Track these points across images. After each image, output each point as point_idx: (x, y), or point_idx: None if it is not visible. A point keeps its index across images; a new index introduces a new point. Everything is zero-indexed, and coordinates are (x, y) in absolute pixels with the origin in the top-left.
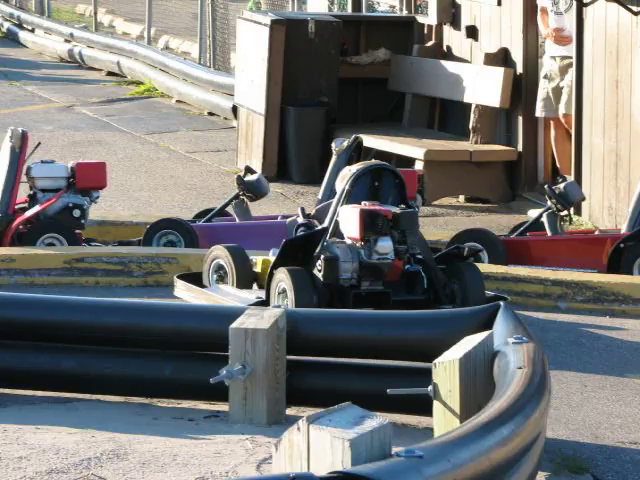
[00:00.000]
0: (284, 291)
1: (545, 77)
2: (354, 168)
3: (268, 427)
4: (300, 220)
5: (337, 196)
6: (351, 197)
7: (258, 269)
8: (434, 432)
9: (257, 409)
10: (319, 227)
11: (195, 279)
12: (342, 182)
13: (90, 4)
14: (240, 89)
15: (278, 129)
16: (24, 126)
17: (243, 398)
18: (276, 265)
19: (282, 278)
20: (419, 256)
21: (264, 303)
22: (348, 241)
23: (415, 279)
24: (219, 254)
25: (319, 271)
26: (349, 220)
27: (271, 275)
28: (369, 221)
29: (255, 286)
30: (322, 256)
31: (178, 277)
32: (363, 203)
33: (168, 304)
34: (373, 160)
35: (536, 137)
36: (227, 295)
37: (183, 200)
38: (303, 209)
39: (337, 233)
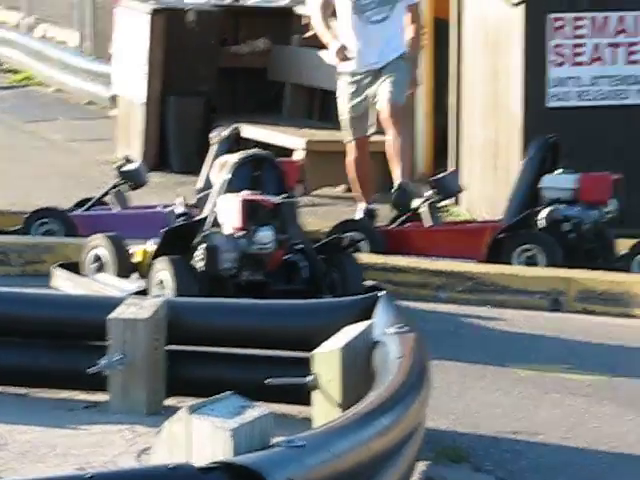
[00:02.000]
0: (164, 281)
1: (353, 94)
2: (234, 157)
3: (148, 417)
4: (180, 210)
5: (217, 186)
6: (231, 186)
7: (138, 259)
8: (314, 422)
9: (137, 399)
10: (199, 217)
11: (74, 268)
12: (221, 172)
13: None
14: (119, 78)
15: (158, 118)
16: None
17: (122, 388)
18: (156, 255)
19: (162, 268)
20: (299, 246)
21: (144, 293)
22: (228, 231)
23: (295, 269)
24: (98, 243)
25: (199, 261)
26: (230, 210)
27: (151, 265)
28: (250, 211)
29: (135, 276)
30: (202, 246)
31: (57, 266)
32: (243, 192)
33: (46, 293)
34: (253, 150)
35: (415, 128)
36: (107, 285)
37: (62, 189)
38: (183, 199)
39: (217, 223)
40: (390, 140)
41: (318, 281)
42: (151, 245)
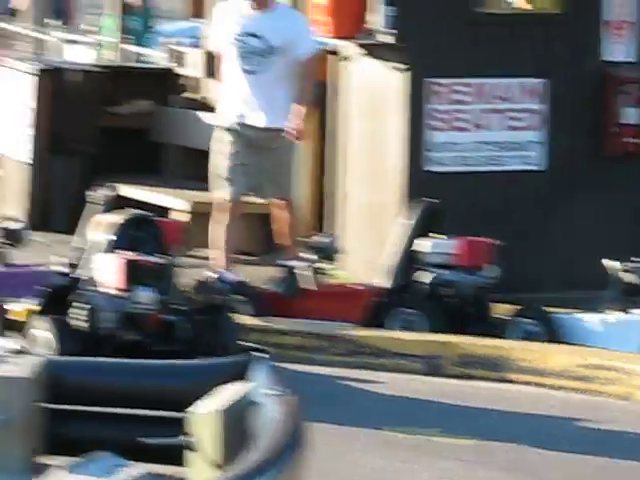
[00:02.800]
0: (42, 339)
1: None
2: (115, 217)
3: (23, 476)
4: (60, 269)
5: (95, 244)
6: (111, 246)
7: (16, 317)
8: None
9: (12, 458)
10: (78, 276)
11: None
12: (98, 230)
13: None
14: (3, 138)
15: (42, 178)
16: None
17: None
18: (36, 313)
19: (41, 326)
20: (179, 307)
21: (23, 352)
22: (108, 290)
23: (174, 330)
24: None
25: (78, 320)
26: (110, 269)
27: (30, 323)
28: (131, 271)
29: (13, 334)
30: (81, 305)
31: None
32: (122, 252)
33: None
34: (134, 210)
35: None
36: None
37: None
38: (64, 258)
39: (94, 282)
40: (284, 219)
41: (196, 342)
42: (30, 304)
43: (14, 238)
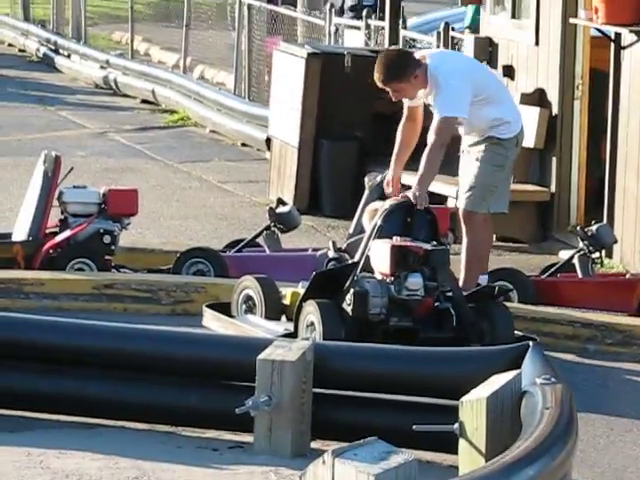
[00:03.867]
0: (312, 324)
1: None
2: (386, 204)
3: (292, 460)
4: (331, 254)
5: (369, 231)
6: (383, 232)
7: (287, 301)
8: (459, 470)
9: (282, 441)
10: (350, 261)
11: (224, 309)
12: (373, 217)
13: (127, 32)
14: (274, 121)
15: (311, 162)
16: (57, 151)
17: (268, 429)
18: (305, 298)
19: (311, 311)
20: (449, 294)
21: (292, 335)
22: (378, 276)
23: (444, 317)
24: (249, 284)
25: (348, 305)
26: (380, 255)
27: (300, 307)
28: (400, 257)
29: (284, 318)
30: (352, 290)
31: (207, 306)
32: (395, 238)
33: (196, 333)
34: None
35: (569, 178)
36: (255, 326)
37: (214, 230)
38: (334, 243)
39: (368, 268)
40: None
41: (467, 330)
42: (301, 288)
43: (285, 222)
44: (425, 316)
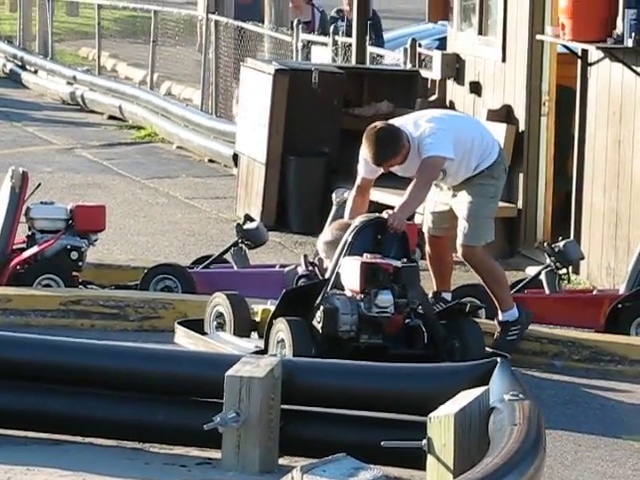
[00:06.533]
0: (283, 341)
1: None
2: (357, 220)
3: (260, 476)
4: (301, 270)
5: (339, 247)
6: (353, 249)
7: (258, 318)
8: None
9: (250, 457)
10: (320, 278)
11: (196, 325)
12: (342, 233)
13: (94, 48)
14: (241, 137)
15: (278, 178)
16: (24, 167)
17: (236, 446)
18: (275, 315)
19: (281, 328)
20: (420, 310)
21: (263, 352)
22: (348, 293)
23: (415, 334)
24: (219, 301)
25: (318, 323)
26: (350, 272)
27: (270, 325)
28: (370, 274)
29: (255, 335)
30: (321, 307)
31: (179, 323)
32: (365, 255)
33: (164, 349)
34: (375, 213)
35: (536, 195)
36: (226, 343)
37: (181, 246)
38: (306, 257)
39: (338, 285)
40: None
41: (437, 346)
42: (271, 304)
43: (252, 238)
44: (396, 333)
